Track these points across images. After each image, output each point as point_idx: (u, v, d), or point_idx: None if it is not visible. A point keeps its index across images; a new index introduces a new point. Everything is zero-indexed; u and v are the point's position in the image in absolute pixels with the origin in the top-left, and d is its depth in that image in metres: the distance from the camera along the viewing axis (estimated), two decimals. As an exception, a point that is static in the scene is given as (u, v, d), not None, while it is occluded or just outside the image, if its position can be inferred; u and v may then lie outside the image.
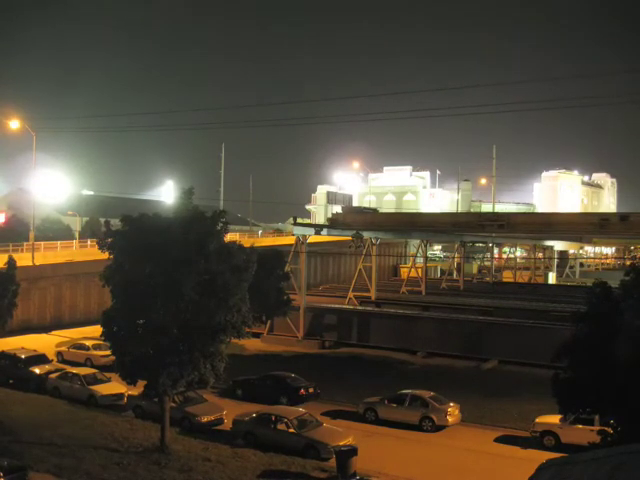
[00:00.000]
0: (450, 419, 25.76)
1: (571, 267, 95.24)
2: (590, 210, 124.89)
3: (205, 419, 24.98)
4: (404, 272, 74.71)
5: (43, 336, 43.60)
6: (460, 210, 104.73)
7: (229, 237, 24.12)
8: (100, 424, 24.45)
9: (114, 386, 28.19)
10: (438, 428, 25.56)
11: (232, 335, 21.78)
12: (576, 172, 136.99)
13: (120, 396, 27.81)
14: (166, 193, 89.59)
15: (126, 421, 25.16)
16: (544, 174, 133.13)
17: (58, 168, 79.51)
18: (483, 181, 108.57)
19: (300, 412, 24.23)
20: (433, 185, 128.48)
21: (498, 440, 24.71)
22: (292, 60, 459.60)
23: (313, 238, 51.38)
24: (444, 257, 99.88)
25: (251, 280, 22.16)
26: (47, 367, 31.38)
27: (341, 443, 21.82)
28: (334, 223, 50.83)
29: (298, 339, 44.42)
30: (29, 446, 21.62)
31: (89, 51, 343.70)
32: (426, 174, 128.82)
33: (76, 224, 75.76)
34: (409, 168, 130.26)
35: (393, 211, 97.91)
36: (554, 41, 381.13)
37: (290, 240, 54.47)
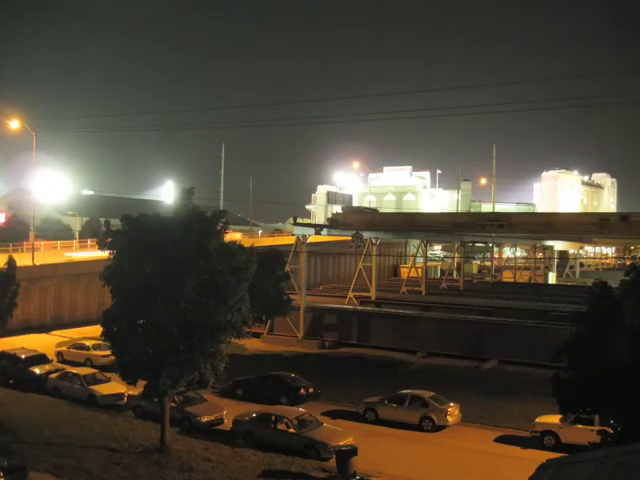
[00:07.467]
0: (450, 419, 25.74)
1: (571, 267, 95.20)
2: (590, 210, 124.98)
3: (205, 419, 24.97)
4: (404, 272, 74.63)
5: (43, 336, 43.53)
6: (460, 210, 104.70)
7: (229, 237, 24.09)
8: (100, 424, 24.44)
9: (114, 386, 28.18)
10: (438, 428, 25.54)
11: (232, 335, 21.81)
12: (576, 172, 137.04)
13: (120, 396, 27.79)
14: (166, 193, 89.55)
15: (126, 421, 25.15)
16: (544, 174, 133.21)
17: (58, 168, 79.65)
18: (483, 181, 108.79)
19: (300, 412, 24.23)
20: (433, 185, 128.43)
21: (498, 440, 24.70)
22: (292, 60, 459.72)
23: (313, 238, 51.34)
24: (444, 257, 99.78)
25: (251, 280, 22.18)
26: (47, 367, 31.38)
27: (341, 443, 21.81)
28: (334, 223, 50.82)
29: (298, 339, 44.39)
30: (29, 446, 21.62)
31: (89, 51, 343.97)
32: (426, 174, 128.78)
33: (76, 224, 75.74)
34: (409, 168, 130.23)
35: (393, 211, 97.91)
36: (554, 41, 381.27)
37: (290, 240, 54.41)
